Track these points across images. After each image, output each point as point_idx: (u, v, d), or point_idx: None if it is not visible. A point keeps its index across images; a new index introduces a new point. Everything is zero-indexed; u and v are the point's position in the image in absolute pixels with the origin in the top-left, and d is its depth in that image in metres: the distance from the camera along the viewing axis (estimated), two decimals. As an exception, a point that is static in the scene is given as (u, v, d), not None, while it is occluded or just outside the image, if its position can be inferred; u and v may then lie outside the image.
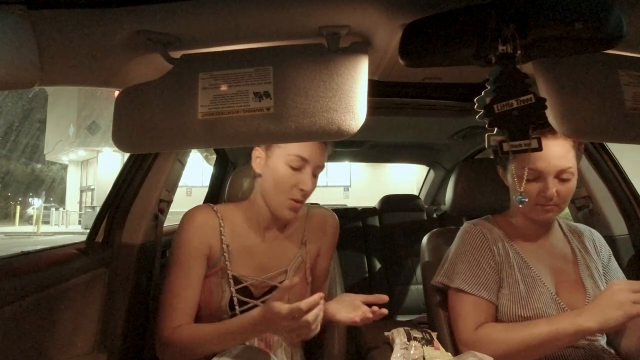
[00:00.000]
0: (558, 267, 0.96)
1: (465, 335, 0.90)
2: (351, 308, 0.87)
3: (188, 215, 0.95)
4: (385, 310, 0.83)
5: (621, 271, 1.01)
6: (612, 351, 0.92)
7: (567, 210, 1.38)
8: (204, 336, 0.83)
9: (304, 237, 1.02)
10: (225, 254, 0.93)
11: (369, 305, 0.87)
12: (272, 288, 0.95)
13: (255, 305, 0.91)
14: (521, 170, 0.89)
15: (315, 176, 0.92)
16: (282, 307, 0.70)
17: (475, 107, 0.60)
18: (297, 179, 0.88)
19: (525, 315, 0.89)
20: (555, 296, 0.91)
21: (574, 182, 0.91)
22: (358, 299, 0.89)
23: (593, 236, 1.04)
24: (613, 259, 1.02)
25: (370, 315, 0.83)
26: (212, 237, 0.93)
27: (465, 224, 1.06)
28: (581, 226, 1.07)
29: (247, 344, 0.89)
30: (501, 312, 0.92)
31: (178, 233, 0.92)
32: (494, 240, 0.99)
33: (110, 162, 17.66)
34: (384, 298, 0.87)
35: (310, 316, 0.71)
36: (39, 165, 27.56)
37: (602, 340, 0.92)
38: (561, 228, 1.04)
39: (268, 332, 0.85)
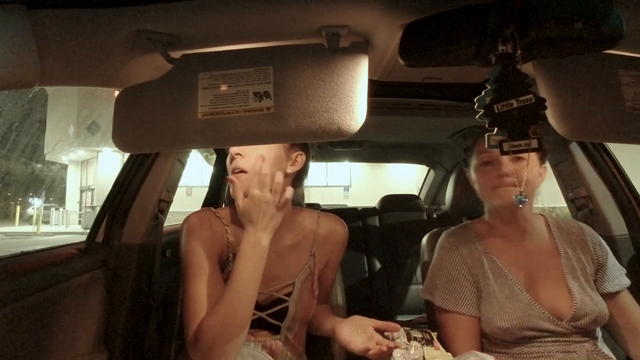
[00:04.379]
0: (539, 270, 0.93)
1: (453, 353, 0.89)
2: (364, 337, 0.84)
3: (191, 221, 0.89)
4: (400, 344, 0.81)
5: (620, 268, 0.98)
6: (606, 352, 0.90)
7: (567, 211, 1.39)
8: (219, 304, 0.77)
9: (313, 247, 0.99)
10: (231, 262, 0.89)
11: (379, 330, 0.85)
12: (279, 300, 0.93)
13: (260, 318, 0.90)
14: (479, 159, 0.94)
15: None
16: None
17: (475, 107, 0.60)
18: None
19: (504, 327, 0.87)
20: (535, 302, 0.89)
21: (531, 163, 0.91)
22: (370, 324, 0.86)
23: (585, 234, 0.99)
24: (612, 256, 0.98)
25: (385, 349, 0.79)
26: (219, 243, 0.90)
27: (442, 236, 1.06)
28: (573, 223, 1.03)
29: (251, 347, 0.89)
30: (482, 322, 0.92)
31: (184, 241, 0.87)
32: (469, 251, 0.98)
33: (110, 162, 17.67)
34: (396, 327, 0.85)
35: None
36: (39, 165, 27.56)
37: (588, 343, 0.89)
38: (549, 226, 1.01)
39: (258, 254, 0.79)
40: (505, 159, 0.91)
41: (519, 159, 0.90)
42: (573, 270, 0.93)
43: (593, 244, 0.98)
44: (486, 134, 0.60)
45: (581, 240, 0.98)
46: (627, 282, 0.96)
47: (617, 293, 0.95)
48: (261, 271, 0.79)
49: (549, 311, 0.88)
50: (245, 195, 0.80)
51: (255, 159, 0.84)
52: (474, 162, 0.98)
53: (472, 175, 1.00)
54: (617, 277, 0.96)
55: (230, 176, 0.86)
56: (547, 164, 1.00)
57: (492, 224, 1.01)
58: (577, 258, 0.95)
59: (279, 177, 0.79)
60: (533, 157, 0.92)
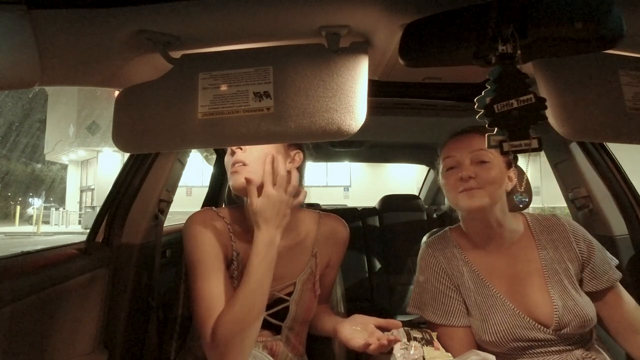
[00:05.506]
0: (521, 277, 0.91)
1: None
2: (365, 334, 0.84)
3: (194, 220, 0.89)
4: (399, 338, 0.81)
5: (609, 262, 0.93)
6: (603, 354, 0.89)
7: (567, 211, 1.39)
8: (235, 301, 0.78)
9: (314, 247, 0.99)
10: (235, 261, 0.90)
11: (381, 328, 0.85)
12: (280, 300, 0.93)
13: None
14: (444, 164, 0.95)
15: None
16: None
17: (475, 107, 0.60)
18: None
19: (489, 340, 0.86)
20: (520, 312, 0.87)
21: (494, 166, 0.89)
22: (371, 322, 0.87)
23: (567, 231, 0.95)
24: (600, 250, 0.94)
25: (385, 343, 0.80)
26: (223, 241, 0.90)
27: (422, 245, 1.04)
28: (555, 219, 0.98)
29: (253, 351, 0.89)
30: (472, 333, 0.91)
31: (189, 240, 0.87)
32: (448, 261, 0.96)
33: (110, 162, 17.67)
34: (397, 324, 0.86)
35: None
36: (39, 165, 27.55)
37: (580, 350, 0.87)
38: (529, 227, 0.97)
39: (269, 244, 0.81)
40: (467, 162, 0.90)
41: (482, 162, 0.89)
42: (555, 273, 0.90)
43: (576, 240, 0.94)
44: (486, 134, 0.60)
45: (564, 238, 0.94)
46: (617, 275, 0.92)
47: (608, 289, 0.91)
48: (273, 268, 0.81)
49: (535, 320, 0.86)
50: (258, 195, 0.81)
51: (266, 158, 0.84)
52: (440, 168, 0.98)
53: (441, 181, 0.98)
54: (607, 272, 0.91)
55: (246, 175, 0.83)
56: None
57: (468, 232, 0.99)
58: (559, 259, 0.92)
59: (295, 180, 0.82)
60: (497, 160, 0.90)
